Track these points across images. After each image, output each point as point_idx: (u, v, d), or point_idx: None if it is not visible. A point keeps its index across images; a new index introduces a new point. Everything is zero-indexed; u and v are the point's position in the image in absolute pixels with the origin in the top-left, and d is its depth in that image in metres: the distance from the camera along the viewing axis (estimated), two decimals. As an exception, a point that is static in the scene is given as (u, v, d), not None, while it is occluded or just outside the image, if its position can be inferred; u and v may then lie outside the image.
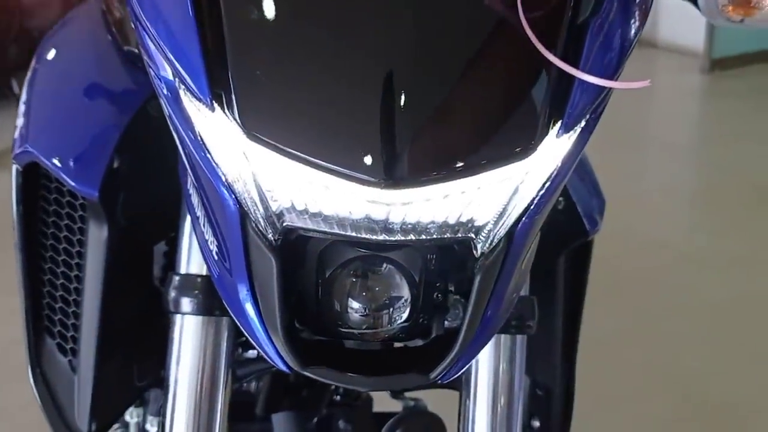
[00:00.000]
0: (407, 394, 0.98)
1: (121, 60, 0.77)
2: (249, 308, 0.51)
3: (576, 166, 0.79)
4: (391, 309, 0.50)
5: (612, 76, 0.49)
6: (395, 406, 1.01)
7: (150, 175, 0.71)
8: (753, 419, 1.78)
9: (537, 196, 0.48)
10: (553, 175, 0.48)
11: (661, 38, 4.35)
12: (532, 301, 0.69)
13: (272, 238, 0.48)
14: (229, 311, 0.55)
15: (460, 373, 0.55)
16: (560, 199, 0.78)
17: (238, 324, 0.54)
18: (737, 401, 1.84)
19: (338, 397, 1.05)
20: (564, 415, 0.82)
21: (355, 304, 0.50)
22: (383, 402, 1.02)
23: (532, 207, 0.49)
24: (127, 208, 0.69)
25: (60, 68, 0.78)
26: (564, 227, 0.77)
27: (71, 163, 0.67)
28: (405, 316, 0.51)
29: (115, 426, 1.12)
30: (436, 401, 0.97)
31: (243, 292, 0.50)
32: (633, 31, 0.51)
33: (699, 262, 2.39)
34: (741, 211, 2.69)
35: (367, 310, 0.50)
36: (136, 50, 0.75)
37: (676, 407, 1.82)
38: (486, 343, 0.55)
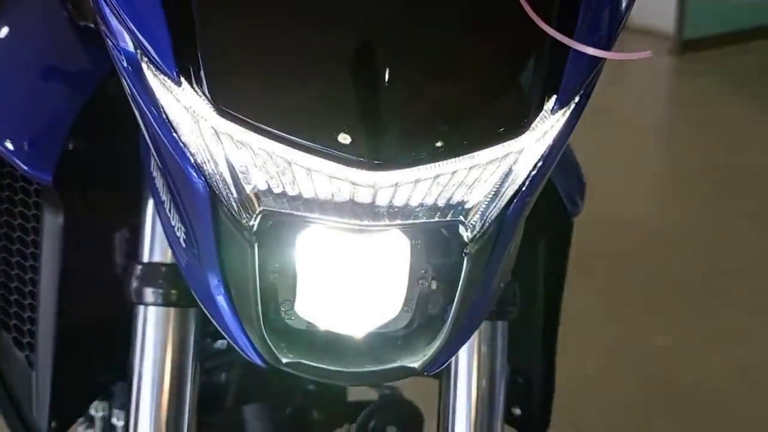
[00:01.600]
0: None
1: (77, 36, 0.72)
2: (220, 299, 0.48)
3: None
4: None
5: (606, 48, 0.46)
6: (370, 393, 0.99)
7: (109, 158, 0.68)
8: (720, 398, 1.81)
9: (529, 176, 0.46)
10: (545, 154, 0.46)
11: (632, 20, 4.34)
12: (514, 286, 0.67)
13: (247, 224, 0.45)
14: (199, 302, 0.51)
15: (446, 365, 0.52)
16: None
17: (209, 316, 0.51)
18: (705, 381, 1.86)
19: (312, 387, 1.03)
20: (544, 403, 0.80)
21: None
22: (358, 389, 1.00)
23: (524, 188, 0.46)
24: (85, 193, 0.66)
25: (11, 47, 0.74)
26: (545, 210, 0.75)
27: (24, 147, 0.64)
28: None
29: (80, 420, 1.08)
30: (413, 388, 0.95)
31: (214, 281, 0.47)
32: (625, 3, 0.48)
33: (669, 243, 2.41)
34: (710, 193, 2.72)
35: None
36: (94, 26, 0.71)
37: (644, 387, 1.83)
38: (474, 331, 0.53)
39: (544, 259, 0.77)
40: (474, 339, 0.67)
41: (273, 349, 0.48)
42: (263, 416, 1.00)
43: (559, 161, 0.79)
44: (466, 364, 0.68)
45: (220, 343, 0.83)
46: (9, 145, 0.64)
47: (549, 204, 0.75)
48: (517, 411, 0.80)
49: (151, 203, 0.63)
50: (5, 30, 0.74)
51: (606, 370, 1.89)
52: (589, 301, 2.10)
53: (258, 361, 0.50)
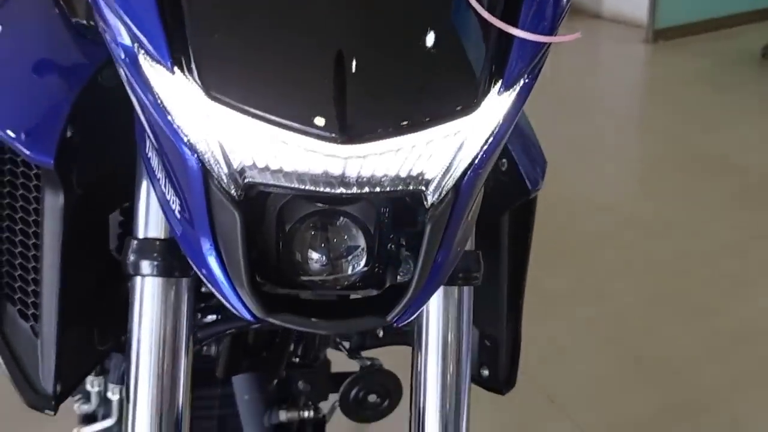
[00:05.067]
0: (364, 354, 1.01)
1: (69, 33, 0.77)
2: (212, 261, 0.53)
3: (518, 131, 0.84)
4: (349, 257, 0.54)
5: (549, 36, 0.52)
6: (352, 365, 1.04)
7: (102, 145, 0.73)
8: (690, 371, 1.89)
9: (481, 151, 0.52)
10: (495, 131, 0.52)
11: (606, 9, 4.43)
12: (478, 254, 0.73)
13: (235, 194, 0.50)
14: (193, 266, 0.57)
15: (413, 317, 0.58)
16: (503, 161, 0.82)
17: (202, 277, 0.57)
18: (675, 355, 1.94)
19: (297, 359, 1.08)
20: (511, 364, 0.86)
21: (314, 255, 0.53)
22: (340, 362, 1.06)
23: (476, 161, 0.52)
24: (82, 177, 0.70)
25: (8, 43, 0.78)
26: (507, 187, 0.81)
27: (25, 134, 0.68)
28: (362, 263, 0.54)
29: (77, 396, 1.13)
30: (392, 359, 1.01)
31: (206, 245, 0.53)
32: None
33: (642, 225, 2.49)
34: (682, 178, 2.80)
35: (326, 259, 0.53)
36: (85, 22, 0.76)
37: (619, 362, 1.91)
38: (437, 289, 0.58)
39: (507, 231, 0.83)
40: (442, 304, 0.73)
41: (260, 304, 0.54)
42: (251, 387, 1.05)
43: (521, 143, 0.85)
44: (436, 328, 0.73)
45: (209, 318, 0.89)
46: (11, 133, 0.68)
47: (511, 182, 0.81)
48: (486, 372, 0.86)
49: (144, 184, 0.68)
50: (1, 28, 0.79)
51: (581, 346, 1.96)
52: (565, 280, 2.18)
53: (247, 316, 0.55)
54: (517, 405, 1.74)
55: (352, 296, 0.59)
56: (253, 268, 0.53)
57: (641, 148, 3.20)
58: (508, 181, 0.81)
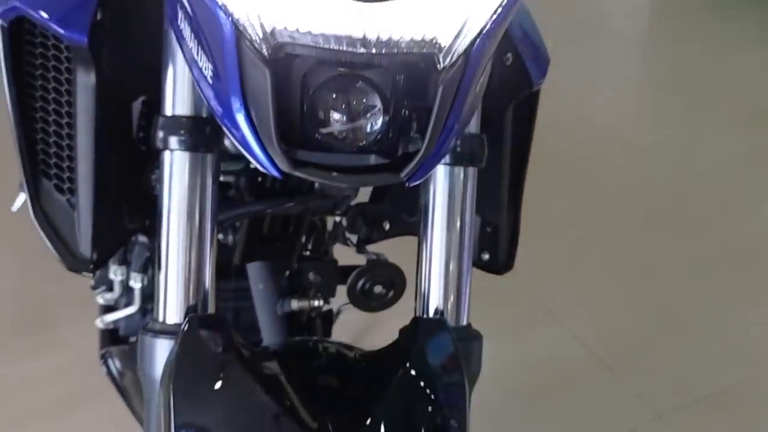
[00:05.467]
0: (369, 249, 1.07)
1: None
2: (242, 119, 0.58)
3: (523, 30, 0.88)
4: (367, 114, 0.59)
5: None
6: (359, 259, 1.09)
7: (128, 31, 0.77)
8: (684, 286, 1.97)
9: (490, 19, 0.57)
10: (503, 3, 0.57)
11: (613, -64, 4.37)
12: (482, 137, 0.78)
13: (266, 53, 0.55)
14: (224, 127, 0.62)
15: (424, 178, 0.63)
16: (508, 55, 0.86)
17: (232, 139, 0.62)
18: (670, 270, 2.02)
19: (308, 253, 1.14)
20: (510, 249, 0.92)
21: (336, 115, 0.58)
22: (347, 257, 1.11)
23: (485, 29, 0.57)
24: (111, 59, 0.75)
25: None
26: (511, 80, 0.86)
27: (59, 15, 0.72)
28: (378, 122, 0.59)
29: (101, 288, 1.20)
30: (395, 254, 1.06)
31: (236, 104, 0.58)
32: None
33: (641, 148, 2.54)
34: (682, 103, 2.82)
35: (346, 118, 0.58)
36: None
37: (615, 278, 1.98)
38: (446, 152, 0.63)
39: (511, 121, 0.88)
40: (447, 185, 0.78)
41: (287, 159, 0.59)
42: (265, 277, 1.12)
43: (526, 38, 0.89)
44: (441, 209, 0.78)
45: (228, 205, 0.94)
46: (44, 14, 0.73)
47: (515, 74, 0.85)
48: (486, 256, 0.92)
49: (170, 67, 0.72)
50: None
51: (582, 262, 2.03)
52: (565, 199, 2.24)
53: (273, 171, 0.60)
54: (515, 315, 1.83)
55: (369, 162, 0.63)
56: (280, 122, 0.58)
57: (642, 73, 3.22)
58: (512, 74, 0.85)
